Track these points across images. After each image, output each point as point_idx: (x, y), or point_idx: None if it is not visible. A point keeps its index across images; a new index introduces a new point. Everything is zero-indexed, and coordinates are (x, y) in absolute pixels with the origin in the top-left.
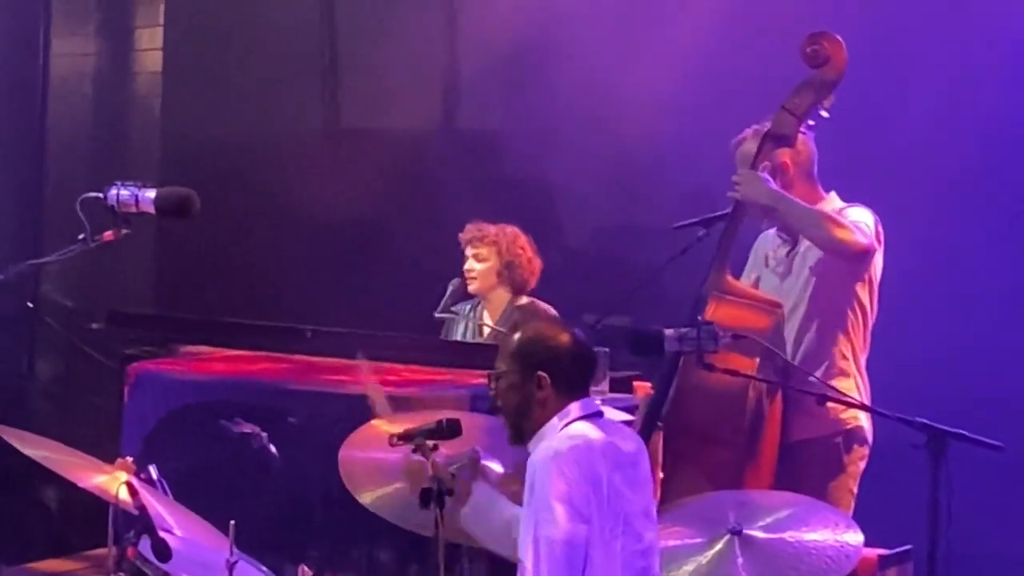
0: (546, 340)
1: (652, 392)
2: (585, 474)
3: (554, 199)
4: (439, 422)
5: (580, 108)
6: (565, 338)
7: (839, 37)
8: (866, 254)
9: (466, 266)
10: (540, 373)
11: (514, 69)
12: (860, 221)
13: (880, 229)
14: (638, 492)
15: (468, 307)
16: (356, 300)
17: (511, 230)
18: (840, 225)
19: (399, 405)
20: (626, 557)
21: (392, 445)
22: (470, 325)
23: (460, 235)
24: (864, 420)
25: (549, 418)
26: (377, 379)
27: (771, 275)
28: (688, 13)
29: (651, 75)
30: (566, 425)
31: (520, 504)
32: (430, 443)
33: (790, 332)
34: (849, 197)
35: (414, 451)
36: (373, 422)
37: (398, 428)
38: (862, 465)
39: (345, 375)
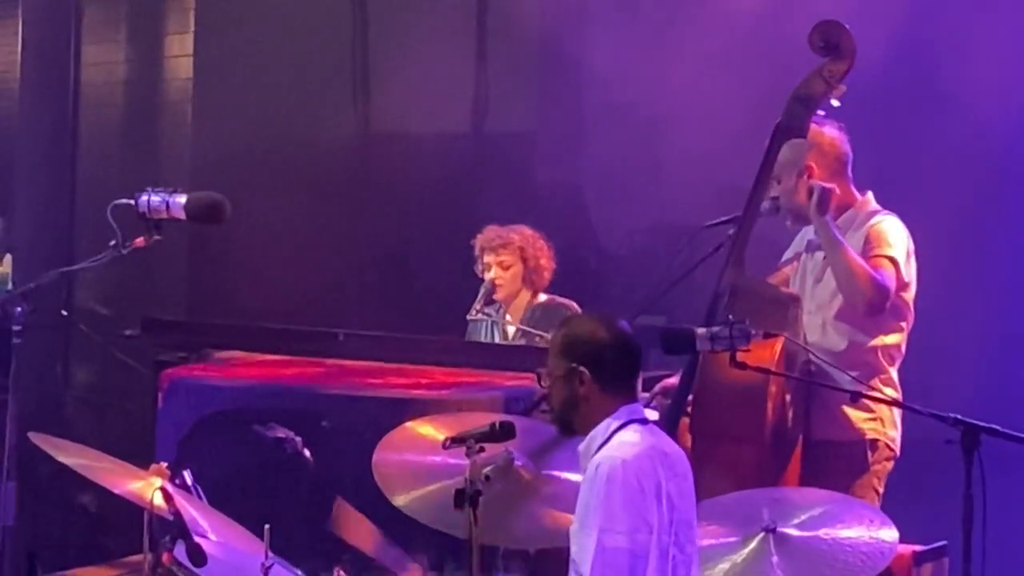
0: (587, 335)
1: (675, 389)
2: (650, 482)
3: (585, 200)
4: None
5: (609, 109)
6: (607, 333)
7: (847, 26)
8: (872, 311)
9: (491, 274)
10: (580, 368)
11: (543, 72)
12: (886, 271)
13: (911, 244)
14: (685, 502)
15: (498, 308)
16: (388, 303)
17: (529, 232)
18: (865, 281)
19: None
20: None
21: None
22: (494, 327)
23: (478, 240)
24: (890, 430)
25: (599, 416)
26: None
27: (808, 273)
28: (716, 12)
29: (680, 75)
30: (618, 428)
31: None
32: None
33: (817, 337)
34: (880, 193)
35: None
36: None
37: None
38: (888, 466)
39: (377, 378)
